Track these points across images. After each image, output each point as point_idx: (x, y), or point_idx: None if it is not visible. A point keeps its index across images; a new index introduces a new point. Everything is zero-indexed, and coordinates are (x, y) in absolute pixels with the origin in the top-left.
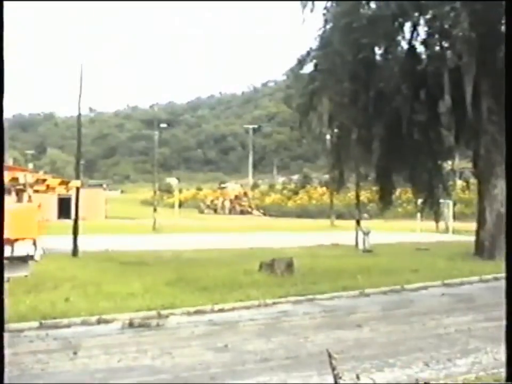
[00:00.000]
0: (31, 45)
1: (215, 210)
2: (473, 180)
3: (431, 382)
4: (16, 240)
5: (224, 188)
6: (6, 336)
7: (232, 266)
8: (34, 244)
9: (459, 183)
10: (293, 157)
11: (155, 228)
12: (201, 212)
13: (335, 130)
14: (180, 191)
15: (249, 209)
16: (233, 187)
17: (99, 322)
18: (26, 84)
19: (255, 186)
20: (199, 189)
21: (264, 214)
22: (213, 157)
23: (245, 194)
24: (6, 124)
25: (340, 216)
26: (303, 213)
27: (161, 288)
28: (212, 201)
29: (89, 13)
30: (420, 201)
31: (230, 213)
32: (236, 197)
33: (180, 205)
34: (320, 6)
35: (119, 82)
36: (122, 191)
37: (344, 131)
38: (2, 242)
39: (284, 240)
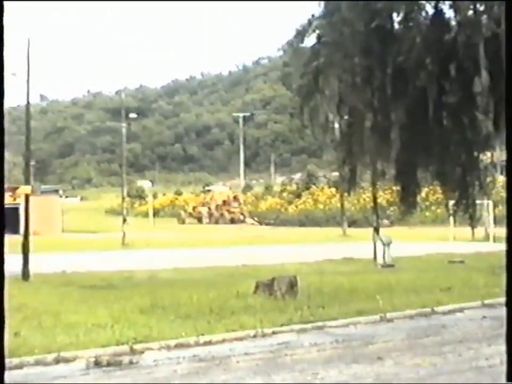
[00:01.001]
0: None
1: (199, 220)
2: None
3: None
4: None
5: (209, 191)
6: None
7: (221, 288)
8: None
9: (501, 179)
10: (294, 151)
11: (125, 243)
12: (182, 221)
13: (345, 117)
14: (155, 196)
15: (241, 217)
16: (220, 190)
17: (58, 361)
18: None
19: (247, 188)
20: (179, 194)
21: (260, 223)
22: (195, 153)
23: (235, 198)
24: None
25: (353, 223)
26: (307, 220)
27: (134, 316)
28: (195, 208)
29: None
30: (451, 202)
31: (217, 222)
32: (224, 202)
33: (155, 214)
34: None
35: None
36: (82, 198)
37: (356, 117)
38: (3, 242)
39: (285, 254)
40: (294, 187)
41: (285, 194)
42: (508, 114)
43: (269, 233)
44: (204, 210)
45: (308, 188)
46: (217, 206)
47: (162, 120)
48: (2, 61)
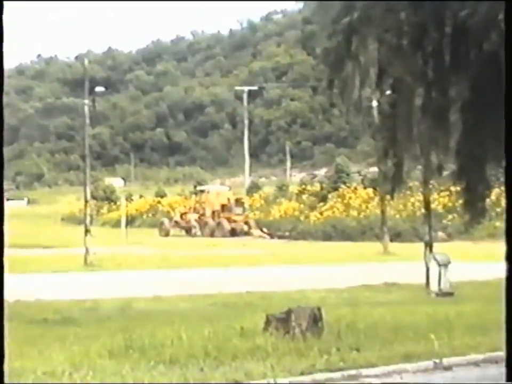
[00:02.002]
0: None
1: (189, 231)
2: None
3: None
4: None
5: (202, 192)
6: None
7: (219, 322)
8: None
9: None
10: (317, 139)
11: (88, 262)
12: (165, 233)
13: (388, 92)
14: (129, 199)
15: (246, 228)
16: (218, 191)
17: None
18: None
19: (254, 188)
20: (161, 196)
21: (271, 236)
22: (184, 140)
23: (238, 202)
24: None
25: (397, 236)
26: (335, 232)
27: (101, 362)
28: (183, 215)
29: None
30: None
31: (212, 234)
32: (223, 207)
33: (129, 223)
34: None
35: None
36: (31, 201)
37: (402, 93)
38: (3, 243)
39: (305, 277)
40: (317, 187)
41: (305, 196)
42: (508, 114)
43: (283, 250)
44: (195, 218)
45: (336, 189)
46: (213, 213)
47: (139, 96)
48: (2, 61)
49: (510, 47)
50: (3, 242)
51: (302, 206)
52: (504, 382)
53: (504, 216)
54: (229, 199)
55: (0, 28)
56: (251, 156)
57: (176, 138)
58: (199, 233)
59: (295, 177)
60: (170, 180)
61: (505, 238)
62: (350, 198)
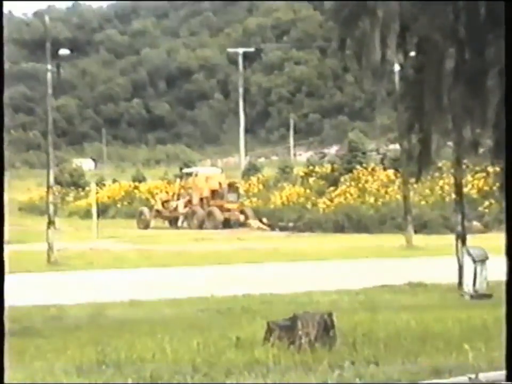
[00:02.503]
0: None
1: (173, 221)
2: None
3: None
4: None
5: (189, 175)
6: None
7: (211, 332)
8: None
9: None
10: (326, 111)
11: (52, 260)
12: (145, 225)
13: (412, 53)
14: (100, 183)
15: (241, 217)
16: (208, 174)
17: None
18: None
19: (251, 170)
20: (139, 180)
21: (271, 227)
22: (166, 113)
23: (232, 187)
24: None
25: (423, 227)
26: (349, 222)
27: (68, 379)
28: (167, 203)
29: None
30: None
31: (201, 225)
32: (214, 193)
33: (102, 213)
34: None
35: None
36: None
37: (429, 55)
38: (3, 242)
39: (313, 277)
40: (327, 168)
41: (312, 180)
42: (508, 114)
43: (287, 244)
44: (181, 206)
45: (349, 170)
46: (202, 200)
47: (112, 60)
48: (2, 62)
49: (510, 47)
50: (3, 242)
51: (308, 191)
52: (504, 382)
53: (504, 218)
54: (220, 184)
55: (0, 27)
56: (247, 131)
57: (157, 111)
58: (185, 224)
59: (300, 156)
60: (150, 161)
61: (505, 235)
62: (366, 181)
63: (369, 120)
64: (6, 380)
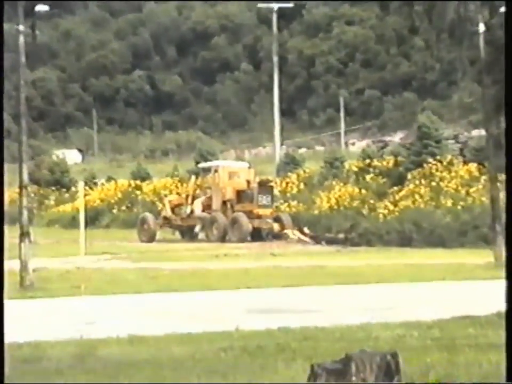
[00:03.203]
0: None
1: (185, 232)
2: None
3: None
4: None
5: (207, 171)
6: None
7: (236, 377)
8: None
9: None
10: (389, 86)
11: (26, 283)
12: (148, 236)
13: (501, 9)
14: (91, 182)
15: (276, 227)
16: (232, 169)
17: None
18: None
19: (289, 164)
20: (141, 177)
21: (316, 239)
22: (177, 90)
23: (264, 186)
24: None
25: None
26: (418, 232)
27: None
28: (177, 207)
29: None
30: None
31: (224, 237)
32: (241, 194)
33: (92, 220)
34: None
35: None
36: None
37: None
38: (3, 242)
39: (370, 305)
40: (389, 162)
41: (369, 177)
42: (508, 114)
43: (336, 261)
44: (197, 211)
45: (419, 164)
46: (225, 204)
47: (106, 19)
48: (2, 62)
49: (510, 47)
50: (3, 242)
51: (365, 192)
52: (504, 382)
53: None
54: (249, 182)
55: (0, 28)
56: (284, 113)
57: (165, 87)
58: (202, 236)
59: (353, 146)
60: (156, 153)
61: (505, 242)
62: (441, 178)
63: (444, 98)
64: None
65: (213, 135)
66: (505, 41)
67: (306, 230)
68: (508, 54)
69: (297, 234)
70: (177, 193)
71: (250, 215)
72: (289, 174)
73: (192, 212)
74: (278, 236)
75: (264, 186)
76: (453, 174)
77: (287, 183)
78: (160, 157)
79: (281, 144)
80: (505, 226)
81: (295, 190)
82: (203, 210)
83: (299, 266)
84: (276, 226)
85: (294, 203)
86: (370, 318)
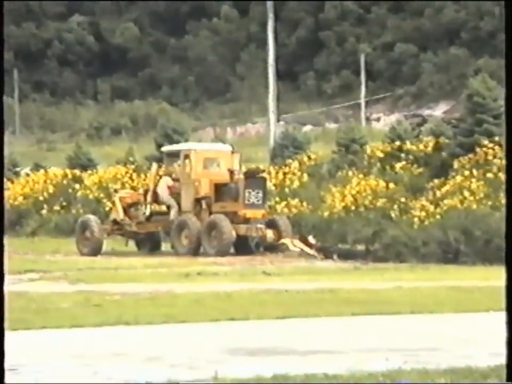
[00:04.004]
0: None
1: (144, 242)
2: None
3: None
4: None
5: (174, 156)
6: None
7: None
8: None
9: None
10: (426, 35)
11: None
12: (91, 247)
13: None
14: (9, 173)
15: (270, 235)
16: (208, 153)
17: None
18: None
19: (288, 148)
20: (82, 165)
21: (324, 252)
22: (130, 38)
23: (252, 177)
24: None
25: None
26: (468, 242)
27: None
28: (131, 207)
29: None
30: None
31: (197, 249)
32: (220, 189)
33: (11, 226)
34: None
35: None
36: None
37: None
38: (3, 241)
39: (399, 344)
40: (427, 144)
41: (400, 165)
42: (508, 114)
43: (353, 282)
44: (158, 215)
45: (470, 148)
46: (199, 202)
47: None
48: (2, 62)
49: (510, 47)
50: (3, 241)
51: (394, 186)
52: (504, 382)
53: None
54: (232, 173)
55: (0, 28)
56: (281, 77)
57: (116, 39)
58: (166, 247)
59: (378, 122)
60: (102, 130)
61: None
62: (501, 168)
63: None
64: None
65: (182, 107)
66: (505, 41)
67: (311, 239)
68: (508, 53)
69: (299, 245)
70: (132, 188)
71: (234, 218)
72: (289, 161)
73: (151, 215)
74: (273, 248)
75: (254, 179)
76: (465, 169)
77: (285, 174)
78: (109, 136)
79: (278, 120)
80: (506, 231)
81: (296, 184)
82: (165, 213)
83: (301, 290)
84: (270, 234)
85: (295, 201)
86: (401, 362)
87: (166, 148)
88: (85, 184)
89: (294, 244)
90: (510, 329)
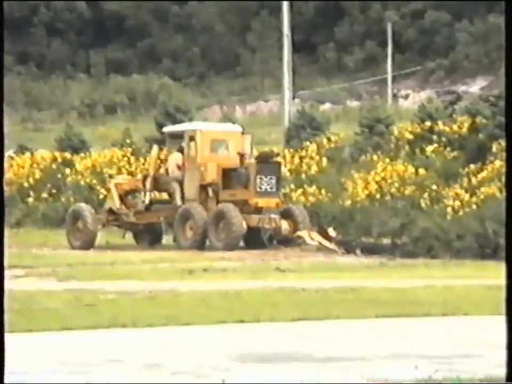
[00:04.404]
0: None
1: (143, 233)
2: None
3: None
4: None
5: (176, 137)
6: None
7: None
8: None
9: None
10: (461, 4)
11: None
12: (83, 239)
13: None
14: None
15: (285, 227)
16: (215, 134)
17: None
18: None
19: (305, 128)
20: (73, 147)
21: (346, 245)
22: (126, 9)
23: (265, 162)
24: None
25: None
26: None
27: None
28: (128, 194)
29: None
30: None
31: (202, 242)
32: (229, 174)
33: None
34: None
35: None
36: None
37: None
38: (3, 241)
39: (430, 350)
40: (463, 124)
41: (432, 149)
42: (508, 114)
43: (378, 280)
44: (159, 204)
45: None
46: (205, 189)
47: None
48: (2, 62)
49: (510, 47)
50: (3, 243)
51: (424, 172)
52: (504, 382)
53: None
54: (242, 156)
55: (1, 28)
56: (297, 48)
57: (111, 5)
58: (168, 240)
59: (407, 100)
60: (95, 108)
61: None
62: None
63: None
64: None
65: (186, 82)
66: (505, 40)
67: (331, 231)
68: (508, 53)
69: (318, 238)
70: (130, 173)
71: (244, 207)
72: (306, 143)
73: (151, 203)
74: (288, 241)
75: (266, 163)
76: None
77: (301, 158)
78: (103, 115)
79: (293, 97)
80: (506, 228)
81: (314, 169)
82: (169, 202)
83: (320, 289)
84: (285, 226)
85: (312, 189)
86: (432, 371)
87: (168, 128)
88: (76, 168)
89: (312, 237)
90: (509, 328)
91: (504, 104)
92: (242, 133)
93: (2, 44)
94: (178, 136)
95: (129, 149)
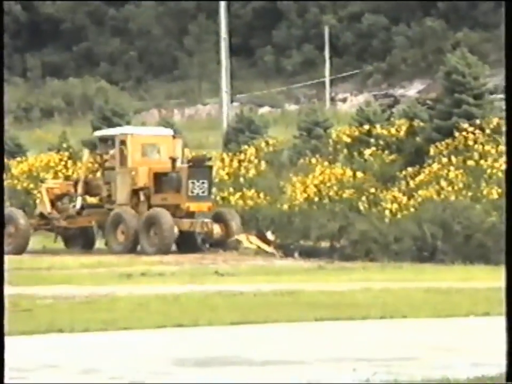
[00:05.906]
0: None
1: (74, 238)
2: None
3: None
4: None
5: (108, 141)
6: None
7: None
8: None
9: None
10: (398, 7)
11: None
12: (15, 244)
13: None
14: None
15: (218, 231)
16: (147, 137)
17: None
18: None
19: (242, 132)
20: (9, 152)
21: (284, 249)
22: (62, 12)
23: (198, 165)
24: None
25: None
26: (446, 238)
27: None
28: (59, 199)
29: None
30: None
31: (134, 246)
32: (160, 178)
33: None
34: None
35: None
36: None
37: None
38: (3, 241)
39: (368, 353)
40: (400, 127)
41: (370, 152)
42: (508, 114)
43: (316, 283)
44: (90, 209)
45: (448, 133)
46: (136, 193)
47: None
48: (2, 63)
49: (510, 47)
50: (3, 246)
51: (362, 175)
52: (504, 382)
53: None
54: (174, 160)
55: (0, 28)
56: (235, 51)
57: (47, 8)
58: (100, 244)
59: (345, 103)
60: (31, 112)
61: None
62: (483, 154)
63: (489, 27)
64: None
65: (123, 86)
66: (505, 40)
67: (269, 235)
68: (508, 52)
69: (256, 241)
70: (67, 177)
71: (176, 211)
72: (244, 147)
73: (83, 208)
74: (221, 244)
75: (198, 168)
76: (501, 147)
77: (240, 162)
78: (40, 119)
79: (232, 101)
80: (506, 227)
81: (252, 173)
82: (99, 206)
83: (259, 292)
84: (217, 229)
85: (251, 192)
86: (370, 373)
87: (100, 133)
88: (12, 173)
89: (250, 241)
90: (509, 328)
91: (442, 107)
92: (174, 137)
93: (2, 44)
94: (108, 140)
95: (66, 153)
